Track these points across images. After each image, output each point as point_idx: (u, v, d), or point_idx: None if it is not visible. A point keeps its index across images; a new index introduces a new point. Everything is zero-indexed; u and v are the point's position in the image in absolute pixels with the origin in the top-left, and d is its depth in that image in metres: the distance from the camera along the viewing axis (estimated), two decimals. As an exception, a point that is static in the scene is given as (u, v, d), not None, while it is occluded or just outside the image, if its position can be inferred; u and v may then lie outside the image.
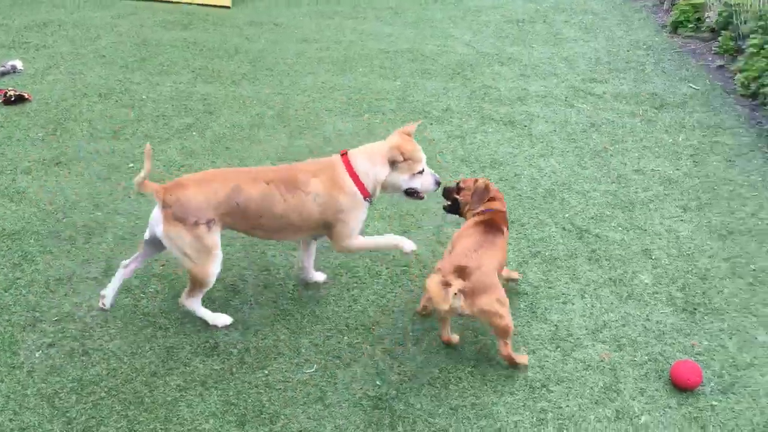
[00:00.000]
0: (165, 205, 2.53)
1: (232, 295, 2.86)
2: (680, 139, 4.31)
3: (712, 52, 5.84)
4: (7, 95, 4.40)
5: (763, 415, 2.34)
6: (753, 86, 4.87)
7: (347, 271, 3.02)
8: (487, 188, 2.74)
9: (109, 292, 2.77)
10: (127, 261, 2.78)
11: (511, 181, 3.77)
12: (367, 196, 2.68)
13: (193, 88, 4.83)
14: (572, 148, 4.17)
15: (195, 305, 2.68)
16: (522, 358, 2.52)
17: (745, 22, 5.49)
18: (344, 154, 2.72)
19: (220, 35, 5.95)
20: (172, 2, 6.74)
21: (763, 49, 4.95)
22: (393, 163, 2.68)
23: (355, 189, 2.65)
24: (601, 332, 2.70)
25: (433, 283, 2.29)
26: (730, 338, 2.68)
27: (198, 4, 6.75)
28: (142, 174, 2.50)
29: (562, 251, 3.17)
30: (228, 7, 6.76)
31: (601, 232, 3.32)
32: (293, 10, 6.78)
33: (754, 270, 3.06)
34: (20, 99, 4.42)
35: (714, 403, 2.39)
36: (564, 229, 3.34)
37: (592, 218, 3.44)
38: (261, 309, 2.78)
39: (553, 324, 2.74)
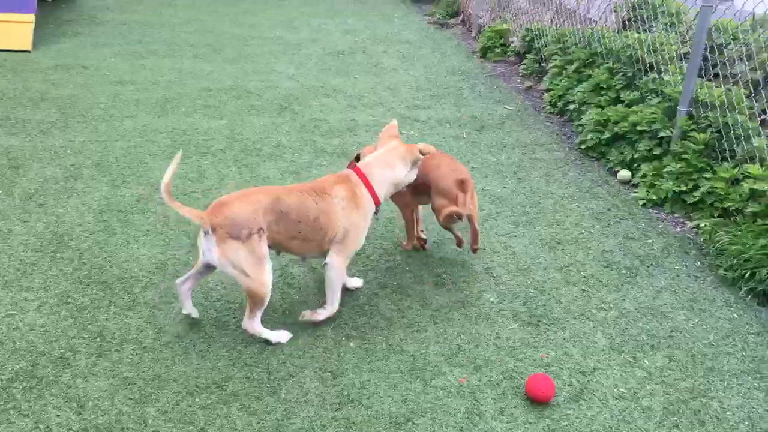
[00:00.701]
0: (215, 228, 2.55)
1: (62, 369, 2.57)
2: (503, 158, 4.53)
3: (519, 74, 6.24)
4: None
5: (613, 417, 2.47)
6: (559, 104, 5.25)
7: (192, 327, 2.82)
8: None
9: (188, 308, 2.79)
10: (182, 279, 2.77)
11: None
12: (378, 204, 2.86)
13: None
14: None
15: (258, 327, 2.69)
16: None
17: (546, 46, 5.94)
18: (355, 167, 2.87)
19: (22, 81, 5.47)
20: (-41, 47, 6.10)
21: (565, 69, 5.36)
22: (415, 163, 2.91)
23: (370, 201, 2.81)
24: (456, 356, 2.73)
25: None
26: (574, 346, 2.81)
27: (-8, 49, 6.17)
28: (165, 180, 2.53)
29: (409, 279, 3.18)
30: (28, 51, 6.24)
31: (443, 255, 3.39)
32: (102, 51, 6.40)
33: (584, 277, 3.25)
34: None
35: (568, 411, 2.49)
36: (408, 257, 3.37)
37: (433, 242, 3.49)
38: (97, 380, 2.52)
39: (410, 354, 2.73)
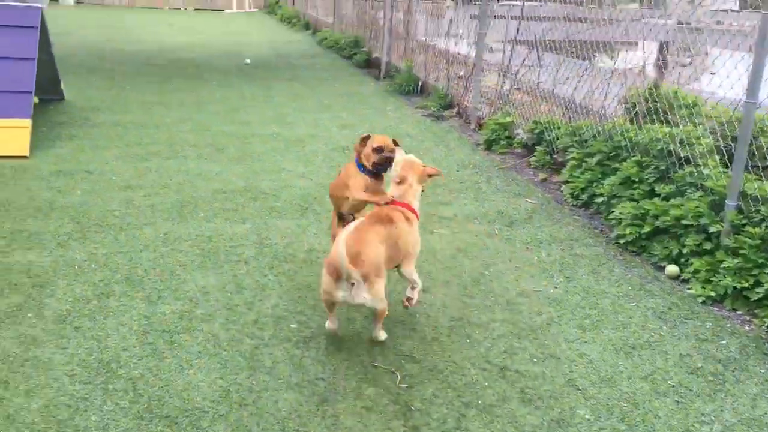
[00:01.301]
0: (364, 275, 2.99)
1: None
2: (544, 256, 4.43)
3: (531, 166, 6.25)
4: None
5: None
6: (583, 197, 5.23)
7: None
8: None
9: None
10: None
11: (409, 321, 3.56)
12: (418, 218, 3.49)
13: (9, 257, 4.08)
14: (451, 276, 4.10)
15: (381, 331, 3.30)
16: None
17: (558, 138, 5.98)
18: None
19: (26, 190, 5.22)
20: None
21: (585, 161, 5.37)
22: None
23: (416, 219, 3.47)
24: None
25: None
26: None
27: (-12, 155, 5.92)
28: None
29: (492, 397, 2.99)
30: (26, 157, 6.01)
31: (519, 367, 3.21)
32: (103, 155, 6.22)
33: (673, 386, 3.10)
34: None
35: None
36: (484, 370, 3.18)
37: (505, 352, 3.32)
38: None
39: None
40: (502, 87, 7.32)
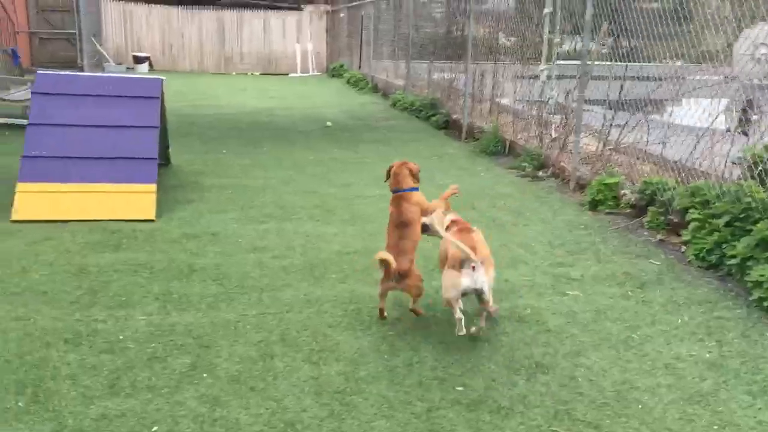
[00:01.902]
0: (482, 260, 3.80)
1: None
2: (687, 319, 4.40)
3: (644, 227, 6.24)
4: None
5: None
6: (710, 258, 5.19)
7: None
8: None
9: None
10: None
11: (572, 383, 3.56)
12: None
13: (168, 318, 4.25)
14: (599, 339, 4.09)
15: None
16: None
17: (672, 198, 5.98)
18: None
19: (161, 253, 5.44)
20: (87, 220, 6.13)
21: (709, 222, 5.35)
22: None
23: None
24: None
25: None
26: None
27: (118, 220, 6.19)
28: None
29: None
30: (153, 220, 6.27)
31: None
32: (221, 218, 6.45)
33: None
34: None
35: None
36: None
37: (680, 419, 3.29)
38: None
39: None
40: (604, 147, 7.38)
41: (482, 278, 3.75)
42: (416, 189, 4.43)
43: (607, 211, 6.77)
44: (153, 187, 6.46)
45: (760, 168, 5.33)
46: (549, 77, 8.33)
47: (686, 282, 5.01)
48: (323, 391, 3.48)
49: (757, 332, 4.20)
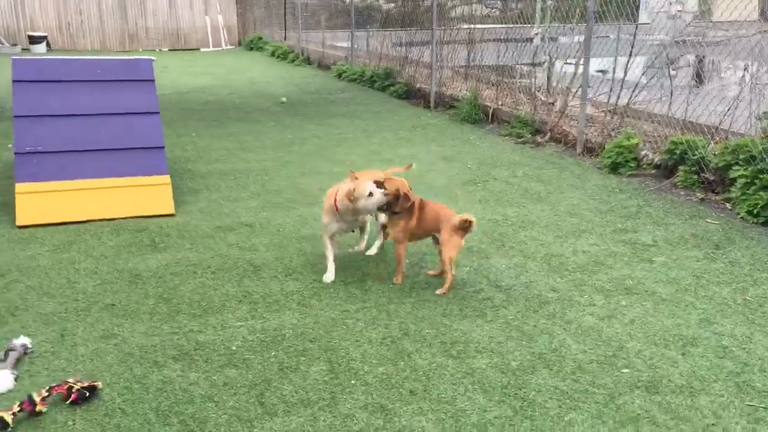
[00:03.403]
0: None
1: None
2: (783, 276, 4.44)
3: (678, 187, 6.29)
4: (72, 390, 3.07)
5: None
6: (766, 214, 5.28)
7: None
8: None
9: None
10: None
11: (732, 360, 3.49)
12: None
13: (267, 321, 3.87)
14: (719, 306, 4.05)
15: None
16: None
17: (704, 157, 6.05)
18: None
19: (207, 249, 4.99)
20: (102, 220, 5.53)
21: (759, 178, 5.44)
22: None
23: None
24: None
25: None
26: None
27: (138, 217, 5.63)
28: None
29: None
30: (173, 215, 5.74)
31: None
32: (243, 206, 6.05)
33: None
34: (92, 390, 3.13)
35: None
36: None
37: None
38: None
39: None
40: (614, 110, 7.39)
41: None
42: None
43: (630, 173, 6.79)
44: (167, 178, 5.92)
45: None
46: (543, 40, 8.22)
47: (755, 239, 5.08)
48: (489, 387, 3.23)
49: None
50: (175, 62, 20.00)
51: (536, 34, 8.12)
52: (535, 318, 3.91)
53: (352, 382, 3.29)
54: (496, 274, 4.50)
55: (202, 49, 26.35)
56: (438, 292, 4.16)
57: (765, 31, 6.15)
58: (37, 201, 5.44)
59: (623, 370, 3.37)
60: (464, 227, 4.14)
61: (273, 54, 20.75)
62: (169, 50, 26.14)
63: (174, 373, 3.34)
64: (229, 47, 26.57)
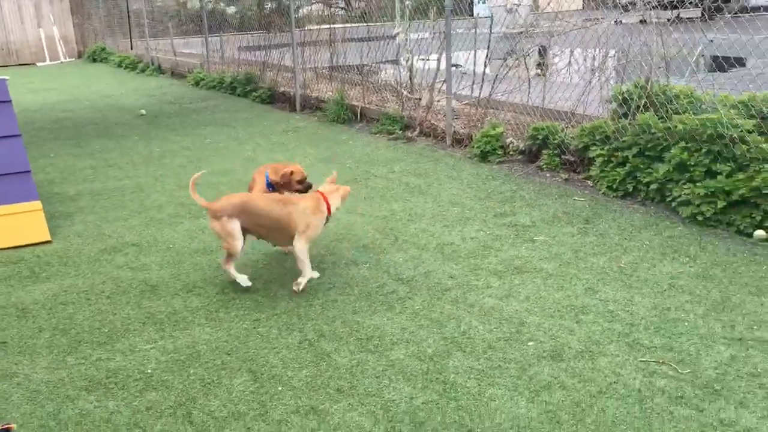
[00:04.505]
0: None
1: None
2: (648, 243, 4.96)
3: (543, 170, 6.79)
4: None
5: None
6: (624, 188, 5.85)
7: None
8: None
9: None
10: None
11: (611, 318, 3.87)
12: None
13: (180, 340, 3.81)
14: (599, 275, 4.45)
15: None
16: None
17: (564, 140, 6.58)
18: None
19: (96, 274, 4.80)
20: (-29, 252, 5.15)
21: (615, 156, 6.01)
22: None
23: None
24: None
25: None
26: None
27: (10, 248, 5.30)
28: None
29: None
30: (50, 242, 5.47)
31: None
32: (125, 225, 5.84)
33: None
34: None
35: None
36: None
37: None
38: None
39: None
40: (478, 102, 7.81)
41: None
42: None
43: (498, 161, 7.22)
44: (38, 204, 5.60)
45: (634, 104, 6.04)
46: (406, 38, 8.51)
47: (618, 212, 5.60)
48: (411, 375, 3.39)
49: (710, 244, 4.85)
50: (12, 80, 18.55)
51: (398, 32, 8.39)
52: (440, 305, 4.11)
53: (279, 388, 3.32)
54: (396, 268, 4.66)
55: (38, 64, 24.72)
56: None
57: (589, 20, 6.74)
58: None
59: (528, 344, 3.63)
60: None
61: (120, 65, 19.86)
62: (0, 66, 24.25)
63: (90, 405, 3.22)
64: (68, 60, 25.10)
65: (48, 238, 5.44)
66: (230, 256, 4.30)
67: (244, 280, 4.34)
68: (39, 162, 8.23)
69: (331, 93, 10.39)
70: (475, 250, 4.91)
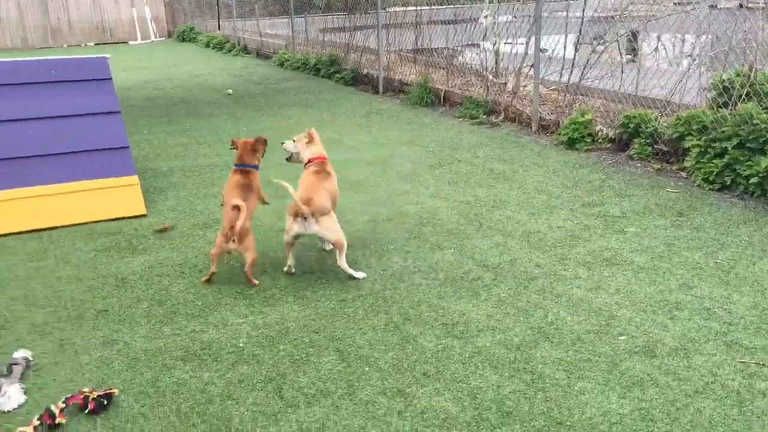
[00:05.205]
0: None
1: None
2: (747, 239, 4.74)
3: (633, 159, 6.57)
4: (88, 399, 3.05)
5: None
6: (721, 180, 5.59)
7: None
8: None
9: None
10: None
11: (717, 321, 3.72)
12: None
13: (270, 316, 3.90)
14: (697, 270, 4.30)
15: None
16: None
17: (657, 129, 6.34)
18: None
19: (190, 249, 4.95)
20: (76, 224, 5.41)
21: (712, 147, 5.75)
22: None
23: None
24: None
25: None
26: None
27: (109, 220, 5.53)
28: None
29: None
30: (144, 215, 5.68)
31: None
32: (216, 203, 5.95)
33: None
34: (109, 398, 3.11)
35: None
36: None
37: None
38: None
39: None
40: (567, 88, 7.62)
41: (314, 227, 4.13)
42: (257, 167, 4.64)
43: (586, 148, 7.04)
44: (135, 179, 5.83)
45: (735, 93, 5.75)
46: (494, 21, 8.38)
47: (714, 205, 5.38)
48: (498, 364, 3.36)
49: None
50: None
51: (486, 16, 8.26)
52: (527, 294, 4.06)
53: (366, 368, 3.36)
54: (481, 254, 4.63)
55: (130, 43, 25.65)
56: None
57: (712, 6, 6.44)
58: (1, 210, 5.27)
59: (619, 338, 3.55)
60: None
61: (208, 45, 20.37)
62: (95, 44, 25.33)
63: (186, 375, 3.34)
64: (158, 39, 25.93)
65: (144, 211, 5.65)
66: (343, 248, 4.25)
67: (361, 274, 4.33)
68: (134, 138, 8.54)
69: (414, 76, 10.36)
70: (562, 240, 4.82)
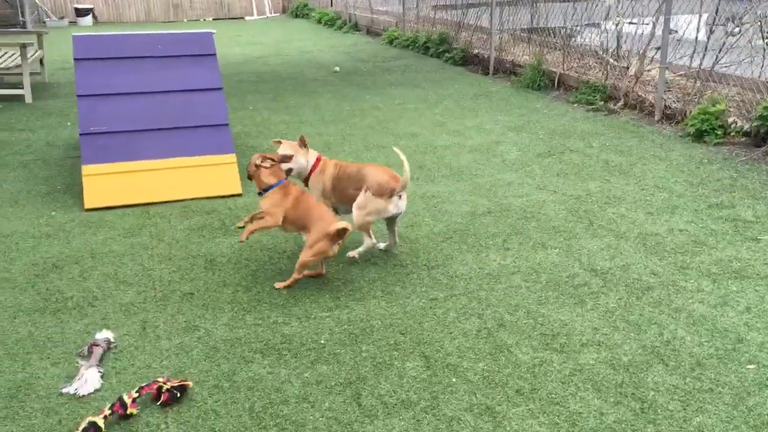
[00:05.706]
0: None
1: None
2: None
3: (771, 155, 5.87)
4: (162, 390, 2.92)
5: None
6: None
7: None
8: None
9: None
10: None
11: None
12: None
13: (355, 312, 3.66)
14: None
15: None
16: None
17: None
18: None
19: (279, 231, 4.76)
20: (172, 201, 5.38)
21: None
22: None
23: None
24: None
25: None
26: None
27: (205, 198, 5.47)
28: None
29: None
30: (240, 195, 5.58)
31: None
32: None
33: None
34: (182, 390, 2.98)
35: None
36: None
37: None
38: None
39: None
40: (698, 74, 6.93)
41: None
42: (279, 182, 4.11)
43: (716, 141, 6.37)
44: (233, 157, 5.75)
45: None
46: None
47: None
48: (602, 386, 2.97)
49: None
50: (221, 32, 19.75)
51: (610, -6, 7.64)
52: (640, 306, 3.63)
53: (453, 379, 3.07)
54: (589, 257, 4.22)
55: (246, 18, 26.14)
56: (276, 285, 3.94)
57: None
58: (105, 183, 5.33)
59: (748, 366, 3.08)
60: (339, 235, 3.80)
61: (319, 21, 20.41)
62: (213, 19, 25.99)
63: (263, 370, 3.17)
64: (273, 15, 26.29)
65: (240, 191, 5.57)
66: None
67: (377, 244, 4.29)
68: (238, 113, 8.56)
69: (527, 57, 9.83)
70: (683, 245, 4.32)
